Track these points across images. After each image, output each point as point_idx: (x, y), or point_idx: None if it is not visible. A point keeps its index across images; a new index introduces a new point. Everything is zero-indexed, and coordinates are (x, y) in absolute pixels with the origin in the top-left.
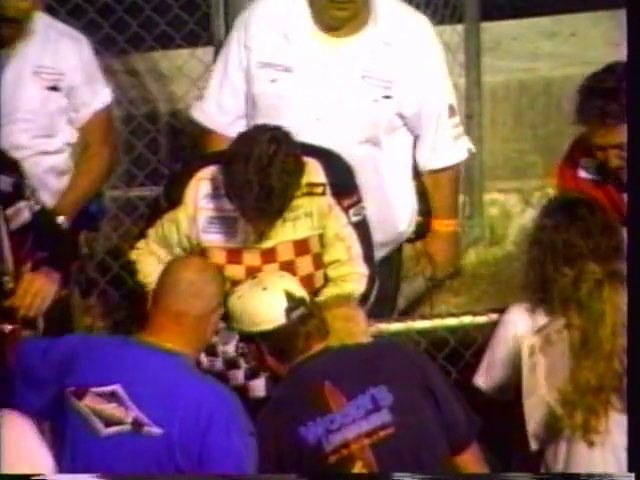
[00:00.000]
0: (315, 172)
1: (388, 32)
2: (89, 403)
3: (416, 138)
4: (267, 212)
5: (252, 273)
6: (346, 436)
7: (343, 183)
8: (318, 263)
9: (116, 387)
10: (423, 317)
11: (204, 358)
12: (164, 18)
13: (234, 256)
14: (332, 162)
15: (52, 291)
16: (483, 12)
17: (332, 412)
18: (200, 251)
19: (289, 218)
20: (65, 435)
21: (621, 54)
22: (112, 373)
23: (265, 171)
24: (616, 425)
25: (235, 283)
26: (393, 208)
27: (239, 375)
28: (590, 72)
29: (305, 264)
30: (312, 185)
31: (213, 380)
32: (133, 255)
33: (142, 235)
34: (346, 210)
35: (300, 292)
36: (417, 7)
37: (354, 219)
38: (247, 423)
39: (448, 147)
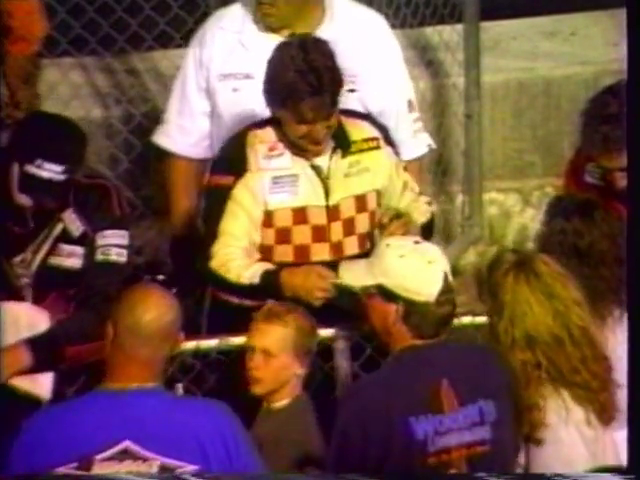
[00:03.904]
0: (365, 128)
1: (344, 29)
2: (100, 471)
3: None
4: (321, 95)
5: (318, 233)
6: (450, 442)
7: (389, 136)
8: (373, 222)
9: (126, 444)
10: None
11: None
12: (164, 17)
13: (299, 215)
14: (374, 120)
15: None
16: (483, 11)
17: (443, 413)
18: (266, 216)
19: (351, 173)
20: None
21: (621, 54)
22: (111, 432)
23: (308, 57)
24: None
25: (301, 248)
26: None
27: None
28: (592, 94)
29: (363, 222)
30: (366, 140)
31: (207, 401)
32: (213, 264)
33: (210, 239)
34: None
35: (451, 277)
36: (416, 7)
37: (403, 164)
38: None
39: (409, 141)
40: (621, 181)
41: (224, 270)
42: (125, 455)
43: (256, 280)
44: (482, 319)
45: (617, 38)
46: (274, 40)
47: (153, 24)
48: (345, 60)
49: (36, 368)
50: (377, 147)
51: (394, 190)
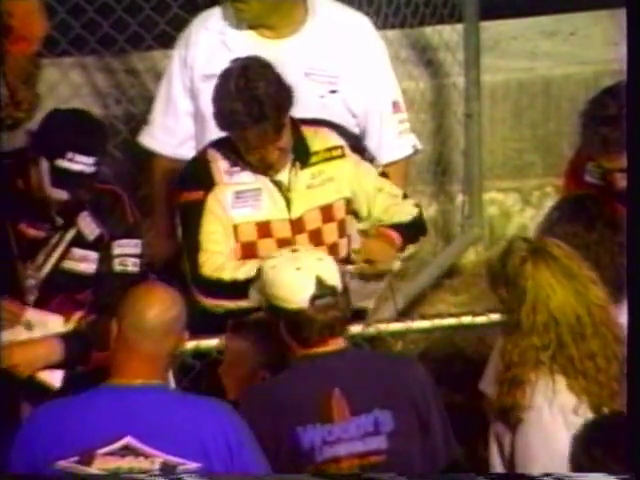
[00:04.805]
0: (330, 137)
1: (328, 30)
2: (101, 465)
3: (362, 135)
4: (263, 123)
5: (284, 246)
6: (339, 452)
7: (358, 142)
8: (342, 231)
9: (128, 439)
10: (423, 317)
11: None
12: (163, 17)
13: (264, 229)
14: (341, 127)
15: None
16: (482, 11)
17: (333, 422)
18: (232, 230)
19: (314, 184)
20: None
21: (621, 54)
22: (113, 427)
23: (250, 85)
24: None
25: None
26: None
27: None
28: (592, 96)
29: (331, 232)
30: (330, 149)
31: (210, 399)
32: (206, 272)
33: (195, 253)
34: (370, 163)
35: (333, 280)
36: (416, 6)
37: (378, 170)
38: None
39: (393, 142)
40: (621, 182)
41: (218, 273)
42: (127, 451)
43: (253, 273)
44: (482, 319)
45: (617, 38)
46: (255, 40)
47: (153, 24)
48: (327, 60)
49: (64, 364)
50: (341, 155)
51: (366, 196)
